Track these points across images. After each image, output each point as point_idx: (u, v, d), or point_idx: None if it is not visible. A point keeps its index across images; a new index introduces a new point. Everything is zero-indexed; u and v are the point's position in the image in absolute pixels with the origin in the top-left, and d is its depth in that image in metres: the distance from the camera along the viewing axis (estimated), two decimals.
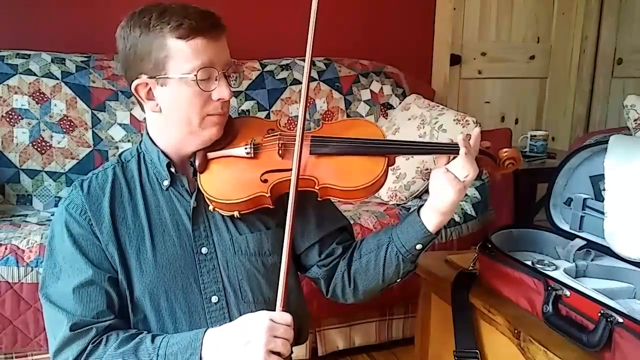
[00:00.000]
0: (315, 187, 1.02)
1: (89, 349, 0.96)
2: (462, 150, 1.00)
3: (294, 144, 1.01)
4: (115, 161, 1.08)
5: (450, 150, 1.03)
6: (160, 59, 0.96)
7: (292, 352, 1.14)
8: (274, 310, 0.94)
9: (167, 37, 0.94)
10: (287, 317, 0.92)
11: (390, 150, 1.07)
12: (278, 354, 0.90)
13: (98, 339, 0.97)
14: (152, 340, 0.96)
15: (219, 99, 0.99)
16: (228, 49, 1.01)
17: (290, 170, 1.00)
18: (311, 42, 1.03)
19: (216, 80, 0.98)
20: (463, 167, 1.00)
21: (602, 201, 1.28)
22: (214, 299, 1.04)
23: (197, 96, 0.97)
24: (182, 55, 0.95)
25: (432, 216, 1.03)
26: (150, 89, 0.99)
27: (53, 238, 1.02)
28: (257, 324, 0.91)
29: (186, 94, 0.97)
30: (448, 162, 1.03)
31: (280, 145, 1.04)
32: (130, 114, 2.23)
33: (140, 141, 1.09)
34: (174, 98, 0.98)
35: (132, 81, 0.99)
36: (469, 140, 1.03)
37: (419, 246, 1.04)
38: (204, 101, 0.98)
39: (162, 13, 0.95)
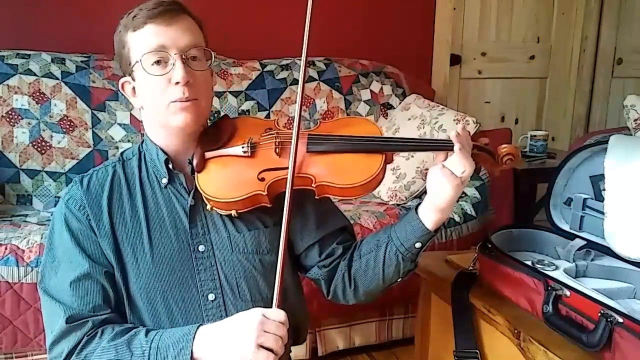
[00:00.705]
0: (312, 185, 1.02)
1: (84, 340, 0.96)
2: (457, 146, 1.01)
3: (291, 142, 1.01)
4: (116, 159, 1.09)
5: (445, 146, 1.03)
6: (126, 54, 1.01)
7: (290, 352, 1.15)
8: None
9: (127, 33, 1.00)
10: (281, 314, 0.92)
11: (387, 147, 1.07)
12: (270, 350, 0.89)
13: (93, 331, 0.97)
14: (146, 334, 0.96)
15: (176, 83, 0.98)
16: (194, 34, 1.01)
17: (287, 168, 1.00)
18: (306, 45, 1.03)
19: (172, 64, 0.98)
20: (459, 163, 1.00)
21: (602, 201, 1.28)
22: (211, 296, 1.04)
23: (155, 83, 0.99)
24: (136, 45, 0.99)
25: (430, 214, 1.03)
26: (133, 87, 1.04)
27: (52, 232, 1.04)
28: (249, 318, 0.91)
29: (146, 83, 1.00)
30: (445, 159, 1.03)
31: (277, 144, 1.04)
32: (130, 114, 2.23)
33: (142, 141, 1.11)
34: (142, 89, 1.02)
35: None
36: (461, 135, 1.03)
37: (418, 245, 1.04)
38: (164, 87, 0.99)
39: (130, 12, 1.00)
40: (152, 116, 1.04)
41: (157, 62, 0.98)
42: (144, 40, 0.98)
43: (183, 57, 0.98)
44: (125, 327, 0.99)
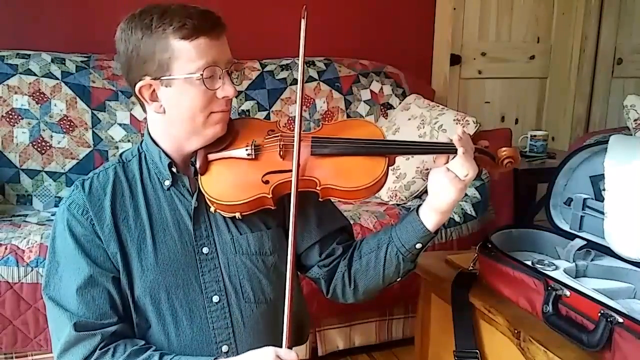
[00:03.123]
0: (317, 187, 1.02)
1: (95, 355, 0.96)
2: (460, 150, 1.01)
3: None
4: (116, 161, 1.08)
5: (449, 149, 1.04)
6: (165, 60, 0.96)
7: None
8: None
9: (170, 38, 0.95)
10: (293, 355, 0.92)
11: (391, 150, 1.07)
12: None
13: (105, 346, 0.97)
14: (160, 359, 0.96)
15: (224, 97, 0.99)
16: (229, 48, 1.02)
17: (292, 171, 1.00)
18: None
19: (220, 78, 0.98)
20: (462, 166, 1.00)
21: (602, 201, 1.28)
22: (215, 298, 1.04)
23: (203, 95, 0.98)
24: (186, 55, 0.95)
25: (431, 215, 1.03)
26: (154, 90, 0.99)
27: (55, 238, 1.02)
28: (262, 358, 0.92)
29: (191, 94, 0.97)
30: (447, 162, 1.03)
31: (281, 147, 1.04)
32: (130, 114, 2.23)
33: (141, 141, 1.09)
34: (179, 98, 0.98)
35: (135, 83, 0.99)
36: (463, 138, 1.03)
37: (418, 245, 1.04)
38: (209, 100, 0.99)
39: (163, 14, 0.95)
40: (180, 123, 1.01)
41: (210, 77, 0.97)
42: (198, 52, 0.95)
43: (228, 72, 0.99)
44: (138, 347, 0.98)
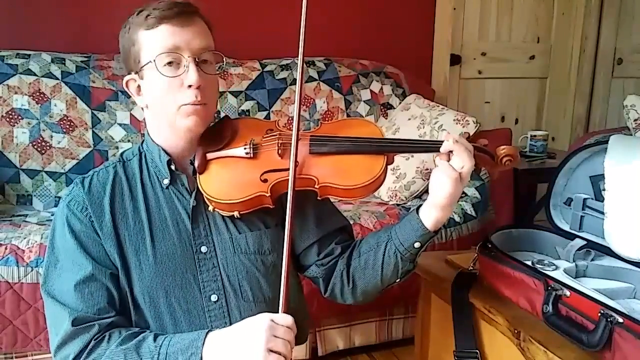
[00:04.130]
0: (315, 186, 1.02)
1: (91, 344, 0.96)
2: (451, 140, 1.01)
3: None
4: (116, 160, 1.09)
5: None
6: (136, 53, 1.00)
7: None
8: (275, 310, 0.94)
9: (139, 31, 0.99)
10: (289, 319, 0.92)
11: (389, 148, 1.07)
12: (278, 353, 0.89)
13: (100, 335, 0.97)
14: (155, 339, 0.96)
15: (189, 86, 0.99)
16: (207, 37, 1.02)
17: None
18: (302, 52, 1.03)
19: (185, 66, 0.98)
20: (457, 156, 1.00)
21: (602, 201, 1.28)
22: (214, 297, 1.04)
23: (167, 84, 0.98)
24: (149, 44, 0.98)
25: (430, 212, 1.03)
26: (138, 85, 1.03)
27: (54, 234, 1.03)
28: (257, 324, 0.91)
29: (157, 83, 0.99)
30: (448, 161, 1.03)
31: (279, 145, 1.04)
32: (130, 114, 2.23)
33: (142, 141, 1.10)
34: (149, 88, 1.01)
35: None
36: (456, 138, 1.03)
37: (417, 244, 1.04)
38: (173, 88, 0.99)
39: (142, 10, 0.99)
40: (159, 116, 1.04)
41: (170, 63, 0.98)
42: (158, 40, 0.97)
43: (196, 60, 0.99)
44: (132, 331, 0.99)
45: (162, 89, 0.99)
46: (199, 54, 0.99)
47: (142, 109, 1.07)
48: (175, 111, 1.00)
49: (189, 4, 1.00)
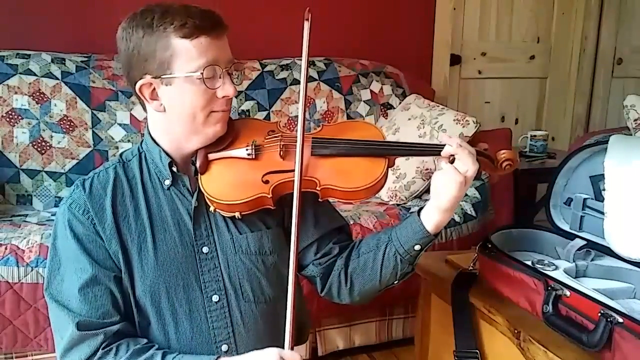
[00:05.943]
0: (317, 188, 1.03)
1: (98, 354, 0.96)
2: (455, 144, 1.01)
3: (295, 145, 1.01)
4: (116, 161, 1.08)
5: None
6: (165, 59, 0.96)
7: None
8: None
9: (172, 37, 0.95)
10: (297, 356, 0.93)
11: (391, 151, 1.08)
12: None
13: (108, 346, 0.97)
14: (163, 357, 0.97)
15: (224, 96, 1.00)
16: (229, 48, 1.02)
17: (292, 171, 1.00)
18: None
19: (220, 77, 0.99)
20: (460, 160, 1.00)
21: (602, 201, 1.28)
22: (215, 298, 1.05)
23: (203, 94, 0.98)
24: (187, 54, 0.96)
25: (432, 215, 1.03)
26: (154, 88, 0.99)
27: (56, 238, 1.02)
28: (266, 358, 0.92)
29: (192, 93, 0.98)
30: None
31: (281, 147, 1.04)
32: (130, 114, 2.23)
33: (141, 141, 1.09)
34: (180, 97, 0.99)
35: (136, 82, 0.99)
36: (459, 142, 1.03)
37: (417, 247, 1.04)
38: (209, 99, 0.99)
39: (165, 13, 0.96)
40: (179, 122, 1.01)
41: (209, 75, 0.97)
42: (199, 51, 0.96)
43: (229, 72, 1.00)
44: (140, 346, 0.99)
45: (197, 99, 0.98)
46: (229, 66, 1.00)
47: (148, 110, 1.04)
48: (204, 118, 1.00)
49: (219, 14, 1.00)
